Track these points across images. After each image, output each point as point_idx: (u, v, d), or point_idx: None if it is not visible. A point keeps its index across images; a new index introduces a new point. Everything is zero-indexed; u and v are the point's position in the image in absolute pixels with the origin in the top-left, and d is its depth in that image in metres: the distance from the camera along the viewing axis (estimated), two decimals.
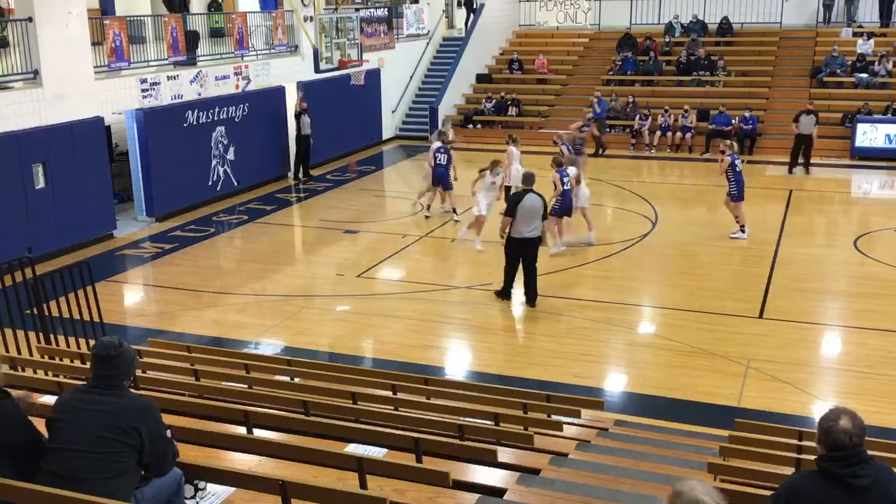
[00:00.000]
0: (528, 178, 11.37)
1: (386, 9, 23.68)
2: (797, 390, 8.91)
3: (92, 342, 8.50)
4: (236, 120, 17.78)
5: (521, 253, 11.20)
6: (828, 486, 3.42)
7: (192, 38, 17.21)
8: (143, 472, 3.88)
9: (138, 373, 6.53)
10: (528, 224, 10.96)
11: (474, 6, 27.34)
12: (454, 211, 15.79)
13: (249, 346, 10.33)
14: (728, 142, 14.84)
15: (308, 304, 11.88)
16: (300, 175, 19.60)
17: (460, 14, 28.65)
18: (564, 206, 13.37)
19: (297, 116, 19.13)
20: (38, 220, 13.29)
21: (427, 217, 15.97)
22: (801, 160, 19.45)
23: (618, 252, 13.79)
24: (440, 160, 15.50)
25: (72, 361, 7.55)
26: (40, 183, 13.42)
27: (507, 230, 11.13)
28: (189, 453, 4.44)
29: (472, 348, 10.45)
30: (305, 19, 19.62)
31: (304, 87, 19.68)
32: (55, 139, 13.53)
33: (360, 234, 15.41)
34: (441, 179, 15.60)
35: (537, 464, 5.26)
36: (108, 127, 15.68)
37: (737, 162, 14.12)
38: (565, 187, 13.27)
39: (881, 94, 21.87)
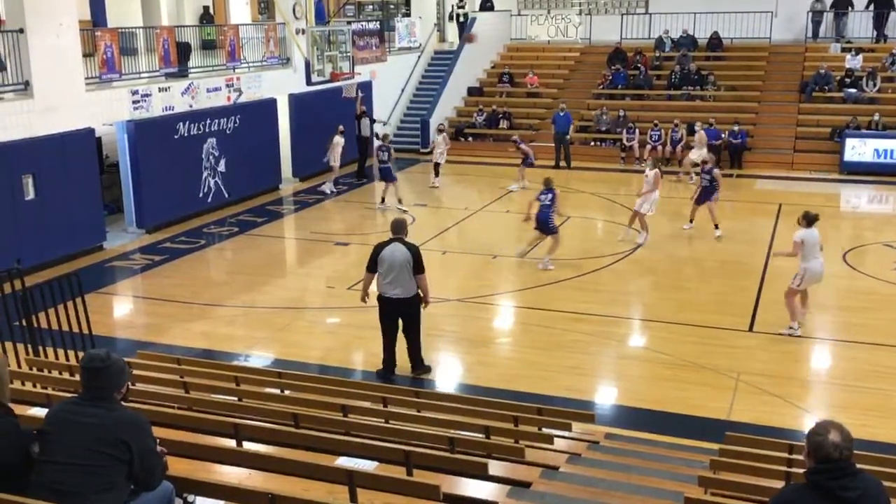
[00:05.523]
0: (394, 226, 9.43)
1: (378, 22, 23.76)
2: (787, 403, 8.93)
3: (81, 354, 8.45)
4: (227, 132, 17.78)
5: (390, 316, 9.48)
6: (818, 499, 3.43)
7: (183, 50, 17.21)
8: (132, 486, 3.86)
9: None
10: (387, 278, 9.22)
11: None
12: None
13: (239, 358, 10.29)
14: (709, 155, 17.26)
15: (298, 316, 11.85)
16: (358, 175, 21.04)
17: (452, 28, 28.77)
18: None
19: (358, 119, 19.48)
20: (27, 232, 13.23)
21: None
22: None
23: (608, 265, 13.82)
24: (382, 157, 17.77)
25: (60, 373, 7.51)
26: (30, 194, 13.38)
27: (367, 288, 9.61)
28: (178, 466, 4.42)
29: (462, 361, 10.43)
30: (297, 32, 19.67)
31: (360, 90, 20.96)
32: (45, 150, 13.49)
33: (351, 247, 15.40)
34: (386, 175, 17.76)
35: (528, 477, 5.26)
36: (99, 138, 15.67)
37: (714, 172, 15.56)
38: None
39: (869, 108, 22.03)
